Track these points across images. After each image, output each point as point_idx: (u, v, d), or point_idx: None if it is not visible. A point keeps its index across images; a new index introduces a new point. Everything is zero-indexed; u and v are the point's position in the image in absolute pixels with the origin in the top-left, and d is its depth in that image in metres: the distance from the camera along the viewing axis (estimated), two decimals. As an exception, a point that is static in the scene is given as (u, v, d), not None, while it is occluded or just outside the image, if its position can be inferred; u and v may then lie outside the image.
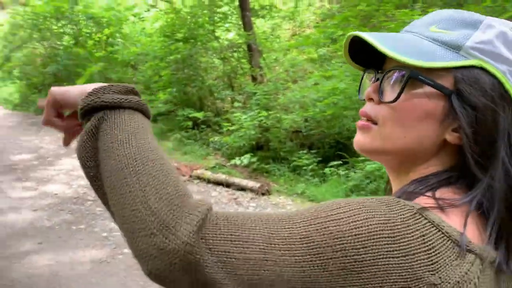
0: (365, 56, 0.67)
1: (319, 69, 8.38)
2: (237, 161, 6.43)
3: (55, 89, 0.69)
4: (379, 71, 0.66)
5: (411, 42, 0.61)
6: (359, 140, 0.65)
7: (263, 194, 5.55)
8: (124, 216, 0.54)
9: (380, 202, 0.53)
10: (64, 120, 0.72)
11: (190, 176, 6.25)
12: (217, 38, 9.35)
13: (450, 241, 0.51)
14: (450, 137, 0.60)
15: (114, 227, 4.53)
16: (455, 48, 0.59)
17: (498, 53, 0.58)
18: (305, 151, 6.29)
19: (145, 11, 14.28)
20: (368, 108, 0.64)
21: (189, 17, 9.05)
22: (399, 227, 0.50)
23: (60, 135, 0.76)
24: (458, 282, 0.49)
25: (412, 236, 0.50)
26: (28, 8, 12.10)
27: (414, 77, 0.58)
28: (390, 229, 0.50)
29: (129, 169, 0.55)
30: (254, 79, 8.48)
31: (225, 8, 9.59)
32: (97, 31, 11.72)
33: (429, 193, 0.57)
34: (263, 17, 10.12)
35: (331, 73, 6.47)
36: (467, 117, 0.57)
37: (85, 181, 5.30)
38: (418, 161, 0.62)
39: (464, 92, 0.57)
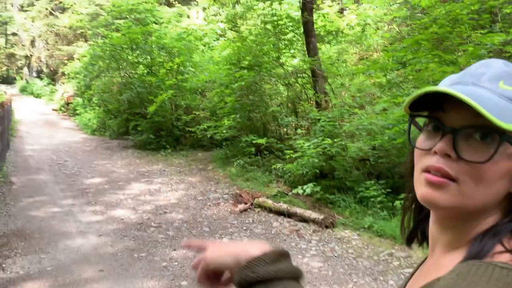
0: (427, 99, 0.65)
1: (388, 95, 8.02)
2: (299, 190, 6.22)
3: (208, 255, 0.72)
4: (440, 122, 0.64)
5: (492, 100, 0.60)
6: (433, 196, 0.63)
7: (326, 226, 5.28)
8: None
9: None
10: (219, 284, 0.75)
11: (252, 204, 6.14)
12: (282, 64, 9.33)
13: None
14: None
15: (174, 256, 4.51)
16: None
17: None
18: (372, 181, 5.95)
19: (214, 40, 14.80)
20: (445, 164, 0.62)
21: (254, 45, 9.14)
22: None
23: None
24: None
25: None
26: (107, 40, 12.97)
27: (507, 140, 0.59)
28: None
29: None
30: (318, 105, 8.30)
31: (290, 35, 9.60)
32: (168, 60, 12.24)
33: None
34: (328, 42, 9.97)
35: (401, 99, 6.12)
36: None
37: (150, 207, 5.39)
38: (481, 216, 0.64)
39: None
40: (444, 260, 0.66)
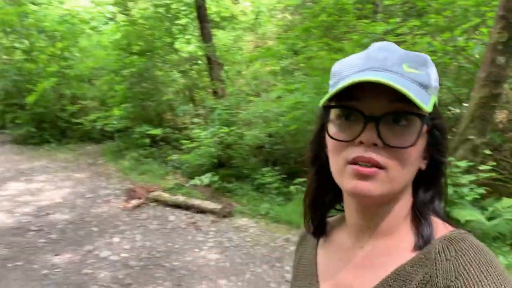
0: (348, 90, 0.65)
1: (282, 82, 8.15)
2: (197, 180, 6.04)
3: None
4: (359, 111, 0.63)
5: (406, 85, 0.60)
6: (365, 187, 0.62)
7: (224, 216, 5.18)
8: None
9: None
10: None
11: (146, 199, 5.81)
12: (176, 50, 8.98)
13: None
14: (423, 165, 0.67)
15: (57, 262, 4.05)
16: (426, 87, 0.63)
17: (437, 86, 0.66)
18: (268, 168, 5.98)
19: (103, 24, 13.78)
20: (374, 153, 0.62)
21: (146, 29, 8.65)
22: None
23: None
24: None
25: None
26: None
27: (427, 123, 0.63)
28: None
29: None
30: (215, 93, 8.15)
31: (184, 20, 9.26)
32: (50, 45, 11.10)
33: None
34: (223, 28, 9.83)
35: (293, 87, 6.22)
36: (444, 146, 0.66)
37: (30, 208, 4.79)
38: (399, 195, 0.66)
39: (439, 124, 0.66)
40: (386, 246, 0.68)
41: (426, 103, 0.60)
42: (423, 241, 0.64)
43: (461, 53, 5.35)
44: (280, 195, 5.55)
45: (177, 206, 5.56)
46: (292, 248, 4.32)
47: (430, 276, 0.60)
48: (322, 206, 0.80)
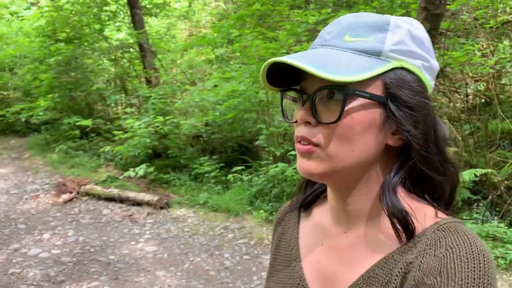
0: (275, 78, 0.64)
1: (218, 71, 8.10)
2: (131, 172, 5.85)
3: None
4: (302, 92, 0.63)
5: (334, 57, 0.59)
6: (305, 166, 0.62)
7: (161, 207, 5.09)
8: None
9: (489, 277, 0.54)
10: None
11: (78, 193, 5.55)
12: (106, 38, 8.60)
13: None
14: (391, 140, 0.62)
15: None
16: (376, 54, 0.59)
17: (411, 50, 0.61)
18: (206, 157, 5.95)
19: (24, 9, 12.84)
20: (306, 131, 0.61)
21: (72, 15, 8.18)
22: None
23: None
24: None
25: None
26: None
27: (352, 94, 0.58)
28: None
29: None
30: (148, 81, 7.93)
31: (114, 6, 8.87)
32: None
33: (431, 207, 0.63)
34: (155, 15, 9.56)
35: (229, 75, 6.21)
36: (408, 118, 0.59)
37: None
38: (369, 174, 0.63)
39: (397, 95, 0.59)
40: (371, 233, 0.65)
41: (358, 72, 0.57)
42: (389, 211, 0.60)
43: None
44: (218, 184, 5.55)
45: (111, 199, 5.37)
46: (231, 235, 4.36)
47: (413, 267, 0.58)
48: (314, 184, 0.78)
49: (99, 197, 5.43)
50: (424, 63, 0.62)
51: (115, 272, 3.63)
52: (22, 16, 12.34)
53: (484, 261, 0.53)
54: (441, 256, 0.55)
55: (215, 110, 6.27)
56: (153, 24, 10.15)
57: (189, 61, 8.86)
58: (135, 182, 5.97)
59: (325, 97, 0.60)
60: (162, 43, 9.03)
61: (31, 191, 5.84)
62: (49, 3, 8.92)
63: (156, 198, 5.16)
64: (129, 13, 8.29)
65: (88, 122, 7.09)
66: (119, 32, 9.39)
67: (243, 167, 5.59)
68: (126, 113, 7.30)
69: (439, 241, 0.57)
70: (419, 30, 0.63)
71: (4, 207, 5.25)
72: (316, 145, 0.61)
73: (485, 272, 0.52)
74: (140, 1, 8.38)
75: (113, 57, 8.46)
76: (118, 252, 4.02)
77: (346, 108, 0.58)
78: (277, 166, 4.98)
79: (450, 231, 0.58)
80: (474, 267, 0.53)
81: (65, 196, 5.47)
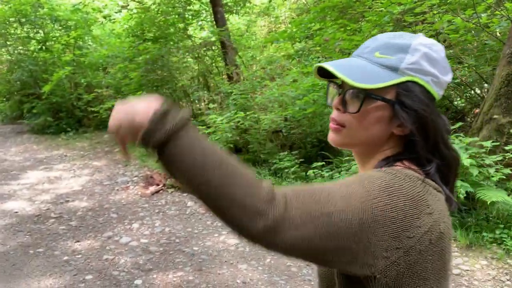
0: (325, 72, 0.86)
1: (297, 65, 8.02)
2: (215, 165, 5.98)
3: (111, 122, 0.76)
4: (340, 86, 0.88)
5: (362, 68, 0.82)
6: (333, 138, 0.88)
7: (242, 201, 5.13)
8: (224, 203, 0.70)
9: (398, 178, 0.76)
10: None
11: (164, 185, 5.80)
12: (189, 36, 8.90)
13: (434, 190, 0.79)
14: (396, 130, 0.83)
15: (78, 248, 4.07)
16: (394, 69, 0.81)
17: (423, 69, 0.81)
18: (286, 153, 5.91)
19: (116, 12, 13.74)
20: (336, 115, 0.86)
21: (159, 15, 8.57)
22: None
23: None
24: (442, 210, 0.77)
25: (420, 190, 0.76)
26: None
27: (369, 96, 0.81)
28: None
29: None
30: (230, 78, 8.06)
31: (197, 6, 9.15)
32: (64, 34, 11.11)
33: (401, 165, 0.82)
34: (236, 12, 9.70)
35: (310, 69, 6.09)
36: (410, 117, 0.79)
37: (49, 196, 4.81)
38: (376, 148, 0.86)
39: (404, 100, 0.80)
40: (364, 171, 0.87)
41: (377, 82, 0.79)
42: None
43: (484, 30, 5.16)
44: (298, 180, 5.48)
45: (194, 192, 5.53)
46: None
47: None
48: None
49: (183, 190, 5.63)
50: (433, 79, 0.81)
51: (199, 264, 3.72)
52: (113, 19, 13.22)
53: (374, 181, 0.74)
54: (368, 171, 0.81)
55: (294, 105, 6.21)
56: (234, 22, 10.33)
57: (268, 57, 8.87)
58: (217, 176, 6.10)
59: (351, 94, 0.83)
60: (243, 40, 9.14)
61: (122, 182, 6.21)
62: (138, 5, 9.44)
63: (237, 192, 5.21)
64: (211, 11, 8.48)
65: (173, 118, 7.38)
66: (201, 31, 9.67)
67: (323, 163, 5.46)
68: (209, 108, 7.50)
69: (368, 174, 0.78)
70: (436, 52, 0.82)
71: (98, 197, 5.64)
72: (342, 125, 0.85)
73: (369, 185, 0.74)
74: (222, -1, 8.55)
75: (196, 55, 8.73)
76: (202, 243, 4.12)
77: (366, 105, 0.81)
78: (360, 163, 4.79)
79: (377, 172, 0.78)
80: (369, 178, 0.75)
81: (152, 188, 5.74)
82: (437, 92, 0.83)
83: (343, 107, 0.84)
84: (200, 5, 9.03)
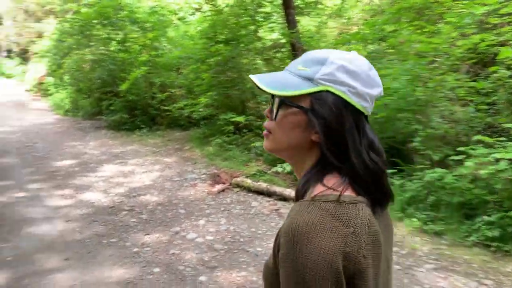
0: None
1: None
2: (279, 168, 5.99)
3: None
4: (272, 97, 0.95)
5: (283, 79, 0.89)
6: (264, 144, 0.96)
7: (307, 205, 5.06)
8: None
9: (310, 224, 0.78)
10: None
11: (230, 184, 5.88)
12: (260, 38, 8.96)
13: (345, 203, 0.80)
14: (314, 137, 0.87)
15: (147, 240, 4.24)
16: (310, 80, 0.87)
17: (337, 79, 0.85)
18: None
19: (190, 15, 14.22)
20: (266, 122, 0.95)
21: (231, 17, 8.72)
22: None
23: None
24: (361, 222, 0.79)
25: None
26: (76, 15, 12.29)
27: (283, 102, 0.89)
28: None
29: None
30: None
31: (268, 8, 9.19)
32: (141, 35, 11.68)
33: (321, 184, 0.85)
34: (308, 14, 9.61)
35: (385, 71, 5.88)
36: (320, 124, 0.84)
37: (123, 189, 5.07)
38: (301, 156, 0.91)
39: (316, 108, 0.85)
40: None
41: (292, 90, 0.86)
42: (297, 193, 0.90)
43: None
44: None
45: (259, 192, 5.56)
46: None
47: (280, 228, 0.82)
48: None
49: (249, 190, 5.67)
50: (350, 89, 0.85)
51: (262, 265, 3.71)
52: (188, 21, 13.69)
53: (294, 234, 0.75)
54: (288, 219, 0.80)
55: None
56: (304, 24, 10.25)
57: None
58: (282, 177, 6.08)
59: (276, 103, 0.90)
60: (313, 41, 9.04)
61: (190, 179, 6.39)
62: (211, 8, 9.67)
63: (302, 195, 5.16)
64: (282, 13, 8.48)
65: (241, 119, 7.50)
66: (271, 33, 9.70)
67: (394, 170, 5.24)
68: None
69: (297, 207, 0.81)
70: (356, 66, 0.86)
71: (168, 192, 5.84)
72: (269, 132, 0.92)
73: (292, 246, 0.75)
74: (294, 1, 8.51)
75: (266, 57, 8.77)
76: (265, 244, 4.12)
77: (284, 111, 0.88)
78: (434, 172, 4.54)
79: (300, 204, 0.81)
80: (287, 235, 0.77)
81: (219, 187, 5.84)
82: (359, 103, 0.85)
83: (270, 115, 0.92)
84: (272, 7, 9.06)
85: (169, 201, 5.46)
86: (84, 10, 11.99)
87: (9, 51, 30.52)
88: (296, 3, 8.85)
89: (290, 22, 8.06)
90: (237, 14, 8.75)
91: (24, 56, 27.42)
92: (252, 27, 8.76)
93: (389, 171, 5.15)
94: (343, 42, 7.57)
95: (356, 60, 0.88)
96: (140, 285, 3.37)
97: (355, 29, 10.91)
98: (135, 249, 4.04)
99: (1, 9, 28.27)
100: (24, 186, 6.09)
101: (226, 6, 9.35)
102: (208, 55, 8.57)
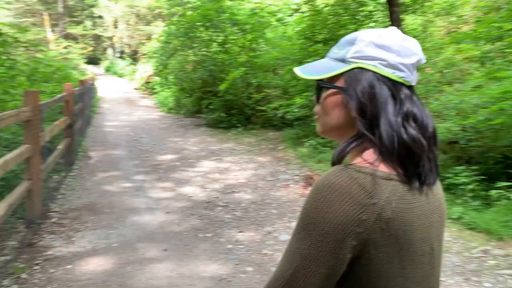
0: None
1: (481, 69, 7.10)
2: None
3: None
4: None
5: (321, 64, 0.93)
6: (316, 128, 0.98)
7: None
8: None
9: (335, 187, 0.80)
10: None
11: (324, 188, 5.73)
12: (360, 38, 8.65)
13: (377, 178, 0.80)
14: (353, 113, 0.87)
15: (240, 238, 4.27)
16: (342, 60, 0.90)
17: (367, 55, 0.87)
18: (463, 167, 5.26)
19: (288, 16, 14.27)
20: (316, 108, 0.97)
21: (331, 17, 8.55)
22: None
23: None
24: (388, 196, 0.78)
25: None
26: (181, 18, 12.98)
27: (320, 85, 0.94)
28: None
29: None
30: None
31: (371, 7, 8.84)
32: (241, 36, 11.99)
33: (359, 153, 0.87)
34: (414, 12, 9.07)
35: (504, 73, 5.30)
36: (352, 99, 0.86)
37: (219, 185, 5.20)
38: (349, 133, 0.89)
39: (348, 85, 0.88)
40: None
41: (327, 72, 0.90)
42: (332, 159, 0.90)
43: None
44: (476, 199, 4.82)
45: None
46: (492, 262, 3.68)
47: None
48: None
49: (343, 195, 5.47)
50: (381, 62, 0.86)
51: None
52: (286, 22, 13.75)
53: (317, 188, 0.80)
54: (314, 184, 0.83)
55: (477, 114, 5.48)
56: (409, 22, 9.70)
57: (447, 59, 8.07)
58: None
59: (317, 88, 0.95)
60: (418, 41, 8.50)
61: (283, 180, 6.36)
62: (310, 8, 9.57)
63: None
64: (388, 11, 8.08)
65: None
66: (373, 32, 9.32)
67: (510, 183, 4.69)
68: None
69: (326, 174, 0.83)
70: (385, 39, 0.87)
71: (261, 191, 5.87)
72: (318, 116, 0.96)
73: (311, 197, 0.80)
74: (398, -2, 8.07)
75: (366, 57, 8.45)
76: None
77: (324, 94, 0.93)
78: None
79: (335, 168, 0.83)
80: (312, 189, 0.81)
81: (312, 189, 5.72)
82: (393, 74, 0.86)
83: (316, 100, 0.96)
84: (375, 6, 8.69)
85: (262, 200, 5.48)
86: (189, 13, 12.60)
87: (121, 52, 33.41)
88: (401, 1, 8.39)
89: (394, 21, 7.64)
90: (337, 14, 8.55)
91: (134, 56, 29.82)
92: (353, 26, 8.49)
93: (504, 184, 4.62)
94: (456, 41, 6.99)
95: (386, 34, 0.88)
96: (233, 283, 3.39)
97: (465, 28, 10.06)
98: (229, 246, 4.09)
99: (116, 13, 31.03)
100: (131, 177, 6.54)
101: (326, 6, 9.18)
102: (306, 55, 8.49)
